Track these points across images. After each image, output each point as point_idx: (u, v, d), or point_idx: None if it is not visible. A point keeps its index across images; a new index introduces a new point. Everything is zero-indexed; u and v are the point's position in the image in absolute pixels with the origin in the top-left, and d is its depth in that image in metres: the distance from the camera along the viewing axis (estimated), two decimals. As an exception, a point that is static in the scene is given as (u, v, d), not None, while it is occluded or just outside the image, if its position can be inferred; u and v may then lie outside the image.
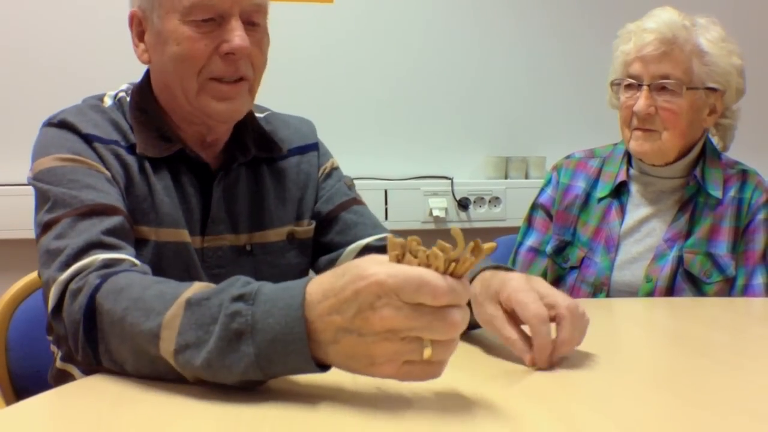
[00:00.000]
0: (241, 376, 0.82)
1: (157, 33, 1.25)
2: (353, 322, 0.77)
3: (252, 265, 1.35)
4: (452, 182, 2.67)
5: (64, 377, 1.31)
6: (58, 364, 1.31)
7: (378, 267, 0.77)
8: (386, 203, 2.56)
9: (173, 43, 1.22)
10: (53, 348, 1.36)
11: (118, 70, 2.26)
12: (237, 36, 1.21)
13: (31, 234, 2.01)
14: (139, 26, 1.29)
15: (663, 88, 1.69)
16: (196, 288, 0.90)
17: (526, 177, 2.83)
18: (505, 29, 2.86)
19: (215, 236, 1.32)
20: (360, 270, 0.78)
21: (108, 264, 1.04)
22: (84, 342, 0.97)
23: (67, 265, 1.05)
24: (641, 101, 1.70)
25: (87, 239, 1.08)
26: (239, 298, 0.84)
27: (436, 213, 2.61)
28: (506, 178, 2.80)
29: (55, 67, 2.30)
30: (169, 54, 1.23)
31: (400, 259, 0.78)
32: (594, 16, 2.96)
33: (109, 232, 1.11)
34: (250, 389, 0.85)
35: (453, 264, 0.77)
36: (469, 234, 2.61)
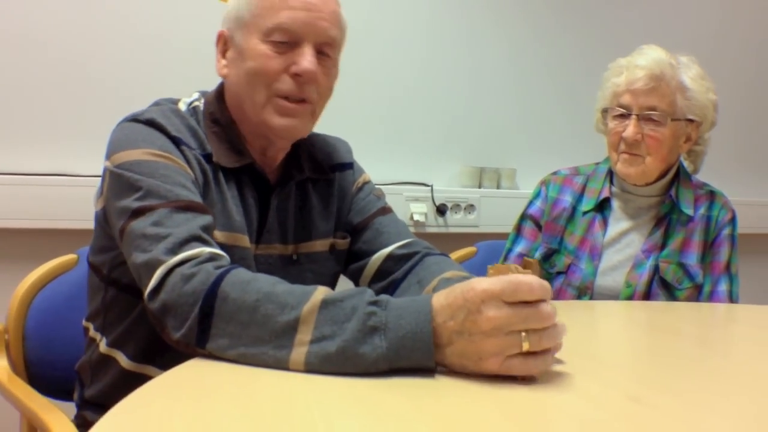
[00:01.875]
0: (370, 365, 0.96)
1: (238, 50, 1.34)
2: (464, 325, 0.95)
3: (297, 273, 1.43)
4: (432, 189, 2.78)
5: (106, 363, 1.38)
6: (103, 349, 1.39)
7: (481, 281, 0.96)
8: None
9: (250, 59, 1.32)
10: (93, 335, 1.42)
11: (115, 62, 2.33)
12: (307, 60, 1.31)
13: (47, 224, 2.06)
14: (224, 45, 1.39)
15: (650, 119, 1.89)
16: (324, 290, 1.03)
17: (498, 187, 2.96)
18: (487, 53, 2.98)
19: (267, 245, 1.40)
20: (467, 285, 0.96)
21: (214, 257, 1.11)
22: (195, 322, 1.02)
23: (174, 251, 1.09)
24: (630, 129, 1.89)
25: (189, 231, 1.13)
26: (374, 303, 0.99)
27: (416, 217, 2.73)
28: (480, 187, 2.92)
29: (58, 58, 2.28)
30: (245, 68, 1.33)
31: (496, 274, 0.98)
32: (573, 45, 3.14)
33: (204, 228, 1.16)
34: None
35: None
36: (447, 238, 2.80)
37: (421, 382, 0.96)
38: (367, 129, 2.77)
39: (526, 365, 0.96)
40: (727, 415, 0.91)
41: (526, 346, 0.94)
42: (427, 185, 2.82)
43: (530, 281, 0.95)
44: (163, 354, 1.28)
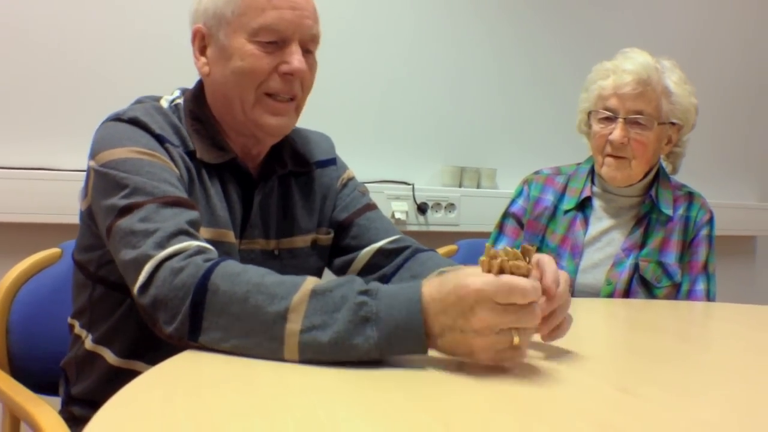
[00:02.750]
0: (363, 355, 0.97)
1: (221, 48, 1.34)
2: (456, 322, 0.97)
3: (279, 268, 1.38)
4: (413, 188, 2.80)
5: (92, 360, 1.37)
6: (89, 346, 1.38)
7: (475, 278, 0.96)
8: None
9: (238, 59, 1.31)
10: (78, 332, 1.42)
11: (96, 57, 2.32)
12: (297, 59, 1.32)
13: (29, 218, 2.05)
14: (201, 41, 1.37)
15: (636, 123, 1.92)
16: (314, 280, 1.05)
17: (478, 186, 2.98)
18: (468, 53, 3.00)
19: (250, 240, 1.40)
20: (461, 280, 0.97)
21: (203, 250, 1.11)
22: (187, 316, 1.03)
23: (162, 245, 1.09)
24: (617, 132, 1.92)
25: (176, 225, 1.13)
26: (364, 292, 1.01)
27: (398, 216, 2.74)
28: (460, 186, 2.94)
29: (39, 52, 2.26)
30: (232, 68, 1.32)
31: (491, 268, 0.97)
32: (554, 45, 3.17)
33: (192, 223, 1.16)
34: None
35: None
36: (427, 237, 2.82)
37: (416, 373, 0.98)
38: (349, 127, 2.78)
39: (517, 356, 0.99)
40: (713, 403, 0.94)
41: (516, 341, 0.96)
42: (409, 184, 2.83)
43: (524, 286, 0.95)
44: (150, 349, 1.28)
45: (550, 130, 3.10)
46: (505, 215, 2.16)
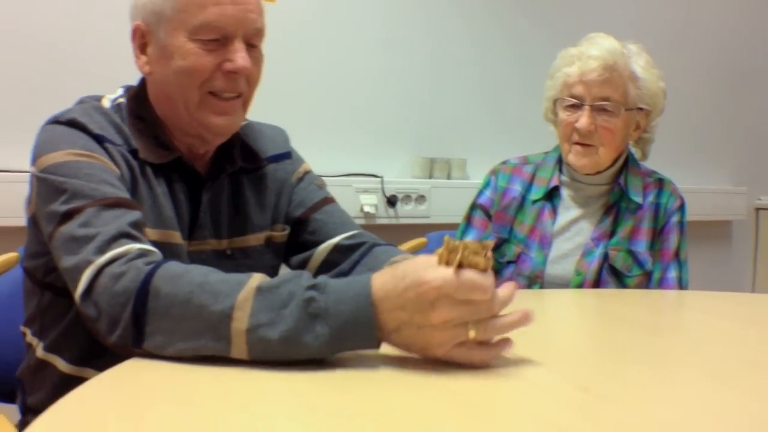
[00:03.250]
0: (314, 353, 0.95)
1: (162, 47, 1.30)
2: (414, 318, 0.94)
3: (232, 268, 1.36)
4: (382, 180, 2.77)
5: (44, 368, 1.34)
6: (40, 354, 1.35)
7: (434, 273, 0.94)
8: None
9: (179, 58, 1.28)
10: (30, 340, 1.38)
11: (42, 56, 2.30)
12: (240, 57, 1.28)
13: None
14: (141, 39, 1.33)
15: (603, 109, 1.88)
16: (259, 277, 1.02)
17: (449, 177, 2.96)
18: (437, 43, 2.98)
19: (200, 241, 1.37)
20: (420, 276, 0.94)
21: (144, 253, 1.09)
22: (129, 322, 1.00)
23: (102, 250, 1.07)
24: (584, 120, 1.89)
25: (117, 228, 1.11)
26: (312, 287, 0.97)
27: (366, 209, 2.71)
28: (430, 177, 2.92)
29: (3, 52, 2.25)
30: (173, 67, 1.28)
31: (449, 261, 0.95)
32: (523, 35, 3.16)
33: (134, 225, 1.14)
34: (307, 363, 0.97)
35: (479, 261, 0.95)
36: (398, 230, 2.79)
37: (365, 374, 0.95)
38: (315, 119, 2.75)
39: (470, 354, 0.97)
40: (677, 402, 0.90)
41: (471, 335, 0.95)
42: (377, 176, 2.81)
43: (484, 283, 0.94)
44: (102, 356, 1.22)
45: (521, 119, 3.08)
46: (473, 207, 2.12)
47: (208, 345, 0.97)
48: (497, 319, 0.98)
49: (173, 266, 1.05)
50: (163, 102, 1.35)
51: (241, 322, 0.96)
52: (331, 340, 0.95)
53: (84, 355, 1.31)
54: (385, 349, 1.00)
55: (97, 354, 1.26)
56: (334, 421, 0.79)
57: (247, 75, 1.33)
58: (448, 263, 0.95)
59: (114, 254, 1.07)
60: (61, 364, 1.32)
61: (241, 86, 1.33)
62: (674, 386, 0.98)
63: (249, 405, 0.83)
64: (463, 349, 0.97)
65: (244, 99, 1.36)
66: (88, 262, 1.07)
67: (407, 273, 0.96)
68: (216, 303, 0.98)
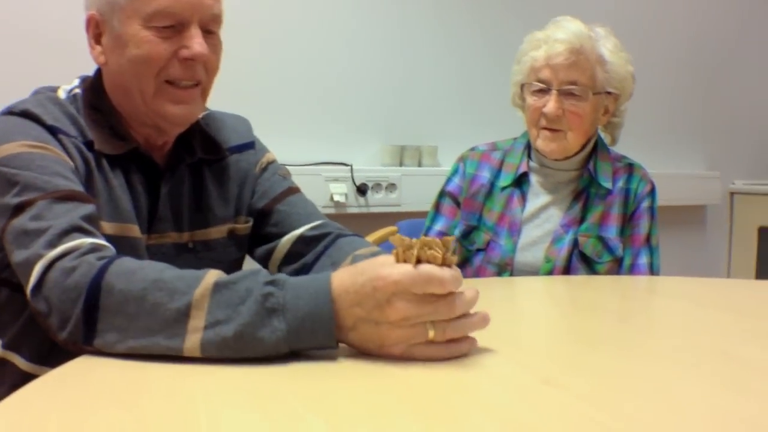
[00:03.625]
0: (270, 349, 0.93)
1: (116, 36, 1.27)
2: (371, 314, 0.93)
3: (194, 261, 1.38)
4: (351, 169, 2.75)
5: (3, 366, 1.31)
6: None
7: (391, 269, 0.93)
8: (288, 188, 2.59)
9: (133, 47, 1.24)
10: None
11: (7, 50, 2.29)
12: (197, 43, 1.25)
13: None
14: (96, 29, 1.30)
15: (570, 93, 1.86)
16: (216, 273, 0.99)
17: (420, 165, 2.94)
18: (407, 31, 2.95)
19: (160, 234, 1.35)
20: (377, 272, 0.93)
21: (97, 248, 1.06)
22: (80, 318, 0.98)
23: (53, 244, 1.05)
24: (551, 104, 1.86)
25: (69, 222, 1.08)
26: (270, 282, 0.95)
27: (336, 198, 2.69)
28: (401, 165, 2.90)
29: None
30: (128, 56, 1.25)
31: (406, 258, 0.94)
32: (493, 20, 3.13)
33: (87, 218, 1.12)
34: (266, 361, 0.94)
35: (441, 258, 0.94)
36: (368, 218, 2.76)
37: (322, 368, 0.93)
38: (282, 108, 2.72)
39: (429, 352, 0.96)
40: (640, 393, 0.88)
41: (431, 335, 0.94)
42: (347, 165, 2.79)
43: (442, 275, 0.93)
44: (62, 354, 1.20)
45: (492, 104, 3.04)
46: (442, 194, 2.10)
47: (161, 343, 0.95)
48: (457, 320, 0.96)
49: (126, 262, 1.02)
50: (119, 92, 1.32)
51: (198, 320, 0.94)
52: (288, 335, 0.93)
53: (43, 353, 1.28)
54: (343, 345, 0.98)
55: (58, 351, 1.22)
56: (281, 414, 0.77)
57: (205, 62, 1.29)
58: (405, 261, 0.94)
59: (65, 248, 1.05)
60: (20, 362, 1.30)
61: (198, 74, 1.29)
62: (641, 376, 0.95)
63: (196, 401, 0.81)
64: (422, 347, 0.95)
65: (202, 88, 1.33)
66: (39, 256, 1.04)
67: (365, 269, 0.95)
68: (172, 301, 0.96)
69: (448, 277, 0.93)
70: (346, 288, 0.94)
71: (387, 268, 0.93)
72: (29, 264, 1.05)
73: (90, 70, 1.38)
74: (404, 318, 0.92)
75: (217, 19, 1.31)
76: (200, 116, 1.46)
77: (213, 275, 0.99)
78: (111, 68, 1.31)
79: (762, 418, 0.80)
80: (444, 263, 0.94)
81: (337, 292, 0.94)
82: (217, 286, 0.96)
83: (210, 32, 1.30)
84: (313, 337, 0.94)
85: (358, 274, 0.95)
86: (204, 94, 1.35)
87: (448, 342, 0.96)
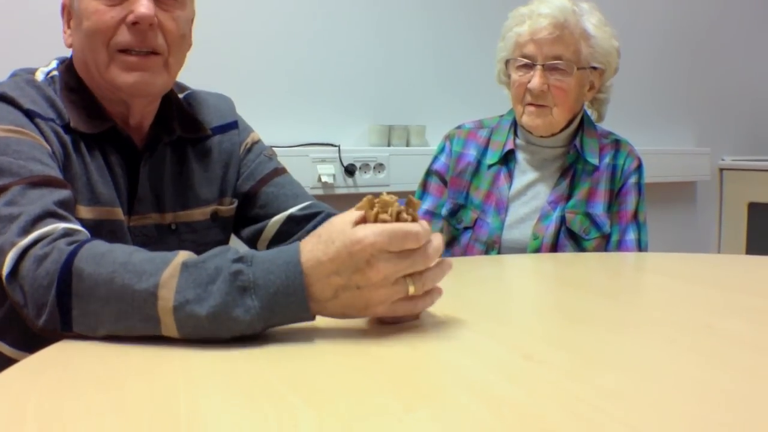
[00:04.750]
0: (246, 328, 0.92)
1: (76, 16, 1.27)
2: (352, 279, 0.93)
3: (176, 243, 1.37)
4: (339, 149, 2.72)
5: None
6: None
7: (364, 230, 0.92)
8: (276, 169, 2.57)
9: (85, 19, 1.24)
10: None
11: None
12: (143, 5, 1.22)
13: None
14: (68, 14, 1.31)
15: (555, 68, 1.85)
16: (186, 254, 0.98)
17: (408, 145, 2.92)
18: (393, 9, 2.92)
19: (141, 215, 1.34)
20: (349, 236, 0.92)
21: (69, 233, 1.06)
22: (54, 306, 0.98)
23: (26, 231, 1.04)
24: (536, 80, 1.86)
25: (43, 207, 1.08)
26: (238, 260, 0.94)
27: (324, 179, 2.67)
28: (389, 145, 2.88)
29: None
30: (83, 30, 1.25)
31: (376, 217, 0.94)
32: (470, 3, 3.11)
33: (61, 204, 1.11)
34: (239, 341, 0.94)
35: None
36: (357, 199, 2.73)
37: (300, 349, 0.93)
38: (268, 87, 2.70)
39: (410, 307, 0.99)
40: (623, 368, 0.88)
41: (411, 290, 0.96)
42: (335, 145, 2.76)
43: (416, 230, 0.94)
44: (45, 340, 1.20)
45: (480, 83, 3.03)
46: (428, 173, 2.09)
47: (137, 326, 0.95)
48: (429, 270, 0.98)
49: (96, 245, 1.01)
50: (83, 70, 1.31)
51: (166, 300, 0.93)
52: (262, 312, 0.92)
53: (27, 340, 1.25)
54: (321, 321, 0.98)
55: (41, 338, 1.22)
56: (263, 395, 0.76)
57: (163, 31, 1.27)
58: (376, 220, 0.94)
59: (37, 235, 1.04)
60: (5, 348, 1.29)
61: (151, 40, 1.25)
62: (624, 351, 0.95)
63: (176, 385, 0.80)
64: (402, 303, 0.97)
65: (164, 59, 1.29)
66: (12, 244, 1.03)
67: (334, 236, 0.94)
68: (140, 282, 0.95)
69: (422, 231, 0.95)
70: (318, 258, 0.93)
71: (359, 231, 0.92)
72: (2, 251, 1.04)
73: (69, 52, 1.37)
74: (385, 277, 0.93)
75: None
76: (182, 95, 1.45)
77: (182, 256, 0.98)
78: (75, 48, 1.31)
79: (742, 390, 0.80)
80: (413, 220, 0.96)
81: (309, 264, 0.93)
82: (185, 266, 0.95)
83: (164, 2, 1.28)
84: (287, 310, 0.94)
85: (329, 242, 0.93)
86: (168, 68, 1.31)
87: (424, 294, 0.99)
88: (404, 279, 0.95)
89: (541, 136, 1.96)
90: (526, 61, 1.89)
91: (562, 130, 1.96)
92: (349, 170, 2.75)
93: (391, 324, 1.02)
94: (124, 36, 1.24)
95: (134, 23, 1.23)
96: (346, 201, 2.70)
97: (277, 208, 1.46)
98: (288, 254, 0.95)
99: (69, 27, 1.32)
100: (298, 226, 1.44)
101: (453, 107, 3.03)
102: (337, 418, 0.70)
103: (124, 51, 1.25)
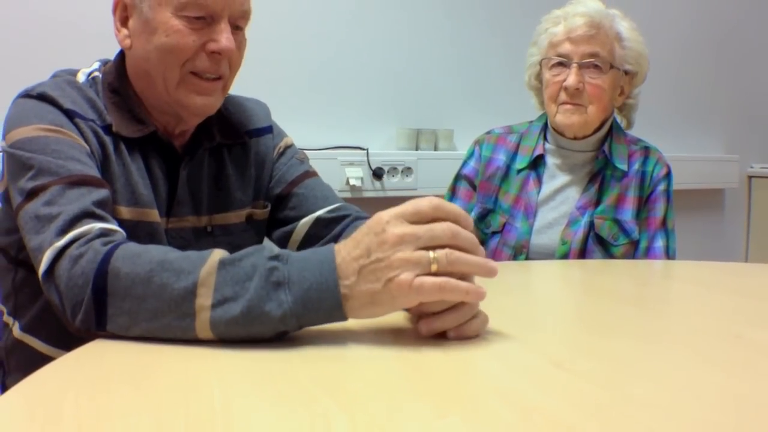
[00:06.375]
0: (278, 323, 0.93)
1: (145, 22, 1.26)
2: (372, 254, 0.93)
3: (212, 246, 1.33)
4: (367, 152, 2.73)
5: (21, 349, 1.33)
6: (17, 334, 1.34)
7: (382, 212, 0.95)
8: (305, 172, 2.58)
9: (162, 34, 1.24)
10: (6, 319, 1.37)
11: (14, 33, 2.28)
12: (225, 38, 1.25)
13: None
14: (123, 12, 1.29)
15: (590, 66, 1.87)
16: (221, 252, 0.99)
17: (436, 149, 2.92)
18: (422, 11, 2.93)
19: (179, 218, 1.35)
20: (370, 222, 0.95)
21: (106, 233, 1.07)
22: (91, 305, 0.98)
23: (63, 231, 1.05)
24: (572, 77, 1.87)
25: (81, 207, 1.09)
26: (274, 258, 0.96)
27: (352, 182, 2.68)
28: (417, 149, 2.88)
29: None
30: (156, 43, 1.24)
31: None
32: (502, 6, 3.10)
33: (99, 203, 1.12)
34: (274, 341, 0.95)
35: None
36: (384, 202, 2.75)
37: (333, 352, 0.93)
38: (299, 93, 2.71)
39: (438, 282, 0.93)
40: (653, 379, 0.87)
41: (434, 267, 0.93)
42: (363, 149, 2.77)
43: (429, 200, 0.96)
44: (81, 337, 1.22)
45: (508, 88, 3.03)
46: (457, 178, 2.10)
47: (172, 324, 0.95)
48: (456, 250, 0.95)
49: (132, 246, 1.02)
50: (142, 78, 1.31)
51: (205, 297, 0.94)
52: (294, 307, 0.93)
53: (61, 336, 1.25)
54: (354, 325, 0.99)
55: (74, 335, 1.24)
56: (296, 396, 0.77)
57: (230, 58, 1.29)
58: None
59: (74, 235, 1.05)
60: (39, 345, 1.31)
61: (222, 68, 1.29)
62: (652, 360, 0.95)
63: (210, 385, 0.81)
64: (430, 279, 0.93)
65: (224, 82, 1.32)
66: (49, 244, 1.05)
67: (361, 229, 0.97)
68: (179, 280, 0.96)
69: (437, 202, 0.96)
70: (348, 252, 0.95)
71: (379, 213, 0.95)
72: (40, 250, 1.06)
73: (110, 54, 1.38)
74: (403, 239, 0.92)
75: (246, 15, 1.31)
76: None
77: (218, 254, 0.99)
78: (136, 53, 1.30)
79: (775, 400, 0.79)
80: None
81: (340, 260, 0.95)
82: (222, 264, 0.96)
83: (238, 28, 1.30)
84: (319, 306, 0.93)
85: (357, 237, 0.96)
86: (224, 90, 1.35)
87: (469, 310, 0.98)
88: (426, 252, 0.93)
89: (574, 138, 1.96)
90: (561, 59, 1.91)
91: (593, 132, 1.96)
92: (377, 174, 2.76)
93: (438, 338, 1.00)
94: (203, 62, 1.26)
95: (214, 52, 1.26)
96: (374, 204, 2.70)
97: (306, 210, 1.46)
98: (323, 254, 0.96)
99: (124, 26, 1.31)
100: (326, 229, 1.44)
101: (481, 112, 3.03)
102: (369, 422, 0.71)
103: (195, 74, 1.27)
